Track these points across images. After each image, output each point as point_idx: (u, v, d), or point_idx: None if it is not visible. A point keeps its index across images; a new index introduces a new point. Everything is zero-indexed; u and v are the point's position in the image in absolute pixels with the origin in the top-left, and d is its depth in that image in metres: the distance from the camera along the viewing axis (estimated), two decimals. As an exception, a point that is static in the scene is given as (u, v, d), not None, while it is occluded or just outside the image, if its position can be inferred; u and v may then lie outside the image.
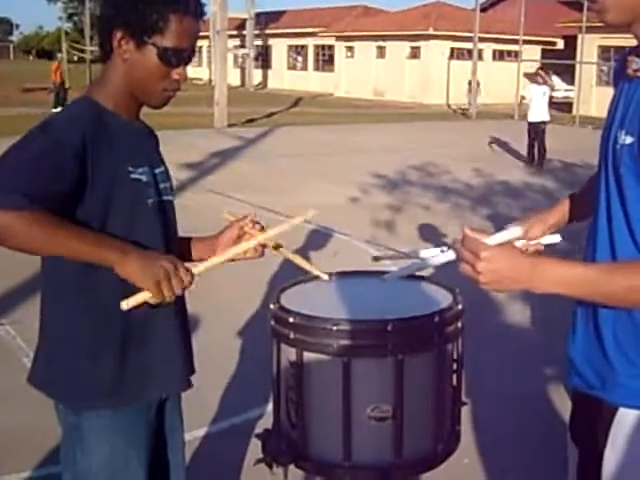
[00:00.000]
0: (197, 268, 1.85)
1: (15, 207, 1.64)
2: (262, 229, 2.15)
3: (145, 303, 1.77)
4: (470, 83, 30.03)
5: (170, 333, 2.05)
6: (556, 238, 2.11)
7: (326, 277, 2.14)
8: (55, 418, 2.08)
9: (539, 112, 14.79)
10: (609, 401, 1.76)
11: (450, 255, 1.79)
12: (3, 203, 1.64)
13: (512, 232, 1.67)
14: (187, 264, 1.83)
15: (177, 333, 2.08)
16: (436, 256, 1.93)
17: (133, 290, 1.76)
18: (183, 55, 1.97)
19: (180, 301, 2.05)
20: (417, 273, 2.25)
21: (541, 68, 16.21)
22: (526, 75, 31.58)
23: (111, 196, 1.88)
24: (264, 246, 2.13)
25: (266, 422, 2.33)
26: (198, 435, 4.00)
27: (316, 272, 2.12)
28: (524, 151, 15.54)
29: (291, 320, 2.02)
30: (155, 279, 1.73)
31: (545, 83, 15.21)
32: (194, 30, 1.98)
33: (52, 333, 2.01)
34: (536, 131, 14.79)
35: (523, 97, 15.30)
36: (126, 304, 1.75)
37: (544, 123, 14.90)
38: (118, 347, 1.96)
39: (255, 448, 2.40)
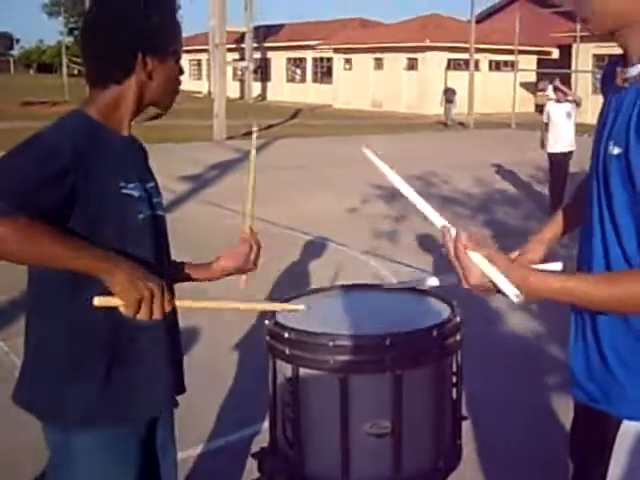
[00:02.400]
0: (181, 303, 1.82)
1: (6, 215, 1.61)
2: (259, 248, 2.16)
3: (115, 308, 1.73)
4: (446, 92, 29.80)
5: (159, 352, 2.01)
6: (557, 266, 2.03)
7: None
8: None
9: (564, 139, 10.48)
10: (614, 414, 1.72)
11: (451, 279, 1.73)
12: None
13: (507, 291, 1.53)
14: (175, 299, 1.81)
15: (166, 352, 2.03)
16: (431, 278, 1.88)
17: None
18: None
19: (172, 318, 2.01)
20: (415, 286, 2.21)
21: (558, 79, 11.20)
22: (523, 85, 31.68)
23: (102, 210, 1.85)
24: (255, 264, 2.14)
25: (262, 439, 2.28)
26: (193, 454, 3.93)
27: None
28: (523, 160, 15.48)
29: (286, 336, 1.99)
30: (138, 296, 1.70)
31: (567, 98, 10.67)
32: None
33: (37, 350, 1.97)
34: (560, 165, 10.44)
35: (545, 124, 10.86)
36: (98, 300, 1.71)
37: (571, 154, 10.51)
38: (105, 365, 1.91)
39: (252, 466, 2.36)
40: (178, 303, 1.81)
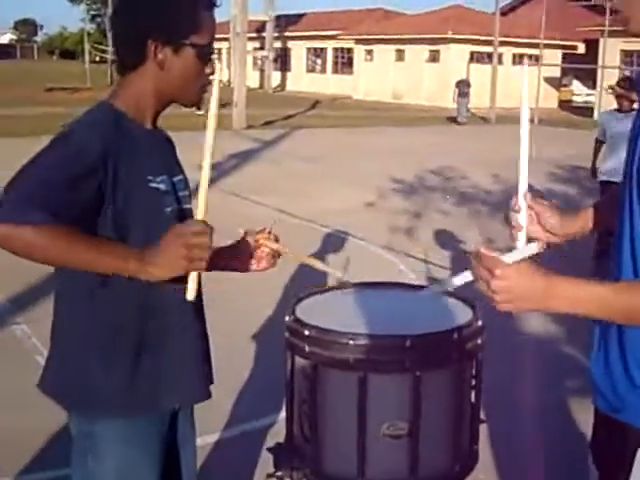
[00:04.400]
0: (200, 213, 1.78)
1: (37, 223, 1.63)
2: (276, 240, 2.14)
3: (199, 278, 1.73)
4: (458, 85, 27.05)
5: (187, 342, 2.02)
6: (533, 248, 1.96)
7: (340, 274, 2.13)
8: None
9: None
10: (636, 427, 1.70)
11: (468, 276, 1.72)
12: (25, 219, 1.63)
13: (529, 249, 1.59)
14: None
15: (194, 342, 2.04)
16: (454, 278, 1.85)
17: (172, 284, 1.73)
18: (213, 48, 1.99)
19: (198, 308, 2.02)
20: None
21: (625, 80, 7.98)
22: (547, 80, 31.39)
23: (130, 205, 1.85)
24: (279, 255, 2.13)
25: (278, 430, 2.29)
26: (210, 441, 3.95)
27: (331, 271, 2.12)
28: (545, 157, 15.37)
29: (306, 333, 1.98)
30: (181, 260, 1.68)
31: (632, 107, 7.20)
32: (215, 21, 2.01)
33: (65, 339, 1.98)
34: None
35: (599, 142, 7.66)
36: (190, 294, 1.72)
37: None
38: (133, 355, 1.92)
39: (267, 456, 2.36)
40: (200, 216, 1.76)
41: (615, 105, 7.48)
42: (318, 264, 2.13)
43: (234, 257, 2.18)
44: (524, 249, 1.59)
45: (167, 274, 1.70)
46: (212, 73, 2.00)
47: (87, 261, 1.71)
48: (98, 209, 1.80)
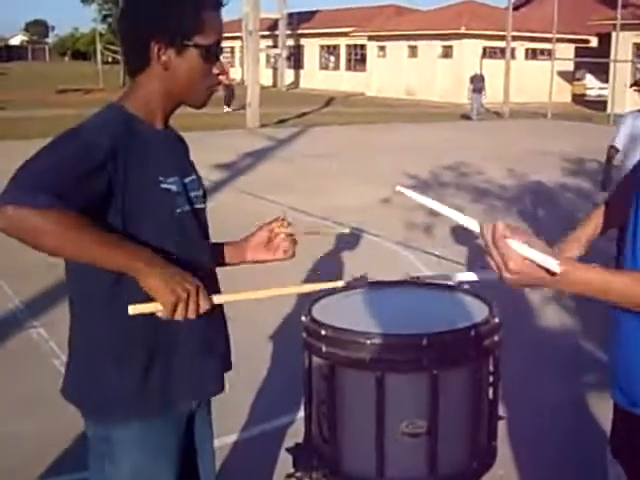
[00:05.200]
0: (218, 298, 1.81)
1: (45, 206, 1.60)
2: (289, 225, 2.14)
3: (152, 314, 1.72)
4: (472, 80, 25.97)
5: (201, 346, 2.01)
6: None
7: (347, 230, 2.18)
8: (85, 422, 2.06)
9: None
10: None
11: (475, 276, 1.71)
12: (33, 202, 1.60)
13: (547, 262, 1.54)
14: (212, 295, 1.79)
15: (210, 344, 2.03)
16: (468, 274, 1.84)
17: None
18: (220, 48, 1.96)
19: (218, 310, 2.02)
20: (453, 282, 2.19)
21: None
22: (560, 74, 31.21)
23: (139, 205, 1.84)
24: (295, 242, 2.13)
25: (297, 429, 2.30)
26: (228, 442, 3.96)
27: (340, 229, 2.16)
28: (559, 152, 15.27)
29: (323, 333, 1.98)
30: (174, 298, 1.69)
31: None
32: (222, 21, 1.99)
33: (79, 343, 1.98)
34: None
35: (613, 149, 6.23)
36: (133, 309, 1.71)
37: None
38: (146, 357, 1.92)
39: (286, 456, 2.37)
40: (216, 300, 1.80)
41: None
42: (328, 230, 2.16)
43: (250, 249, 2.18)
44: (543, 259, 1.53)
45: (159, 291, 1.68)
46: (220, 73, 1.98)
47: (95, 252, 1.67)
48: (107, 207, 1.79)
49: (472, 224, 1.58)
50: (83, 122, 1.87)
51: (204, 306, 1.75)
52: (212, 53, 1.93)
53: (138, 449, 1.96)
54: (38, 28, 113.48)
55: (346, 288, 2.06)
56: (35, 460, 3.77)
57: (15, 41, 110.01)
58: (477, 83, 25.70)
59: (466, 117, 25.97)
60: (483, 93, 25.64)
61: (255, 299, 1.91)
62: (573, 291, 1.56)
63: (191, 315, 1.72)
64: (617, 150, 6.23)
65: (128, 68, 1.98)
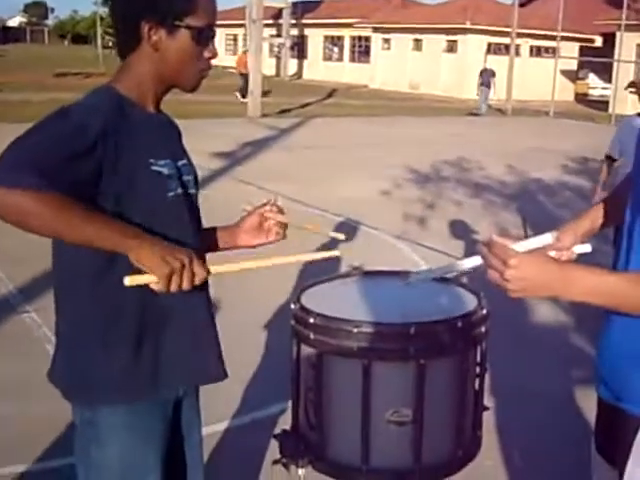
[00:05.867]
0: (214, 267, 1.81)
1: (31, 186, 1.59)
2: (281, 212, 2.14)
3: (147, 286, 1.71)
4: (482, 74, 25.54)
5: (189, 325, 2.01)
6: (587, 248, 2.03)
7: (342, 237, 2.18)
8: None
9: None
10: (636, 414, 1.72)
11: (477, 260, 1.72)
12: (19, 182, 1.58)
13: (542, 240, 1.60)
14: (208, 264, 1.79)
15: (197, 325, 2.04)
16: (463, 262, 1.86)
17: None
18: (213, 31, 1.95)
19: (204, 292, 2.02)
20: (442, 276, 2.19)
21: None
22: (563, 73, 31.11)
23: (130, 188, 1.83)
24: (285, 226, 2.13)
25: (289, 417, 2.31)
26: (218, 429, 3.97)
27: (334, 234, 2.16)
28: (560, 149, 15.27)
29: (311, 321, 1.99)
30: (168, 268, 1.67)
31: None
32: (215, 5, 1.97)
33: (66, 328, 1.98)
34: None
35: (609, 159, 5.83)
36: (129, 280, 1.69)
37: None
38: (133, 340, 1.92)
39: (276, 444, 2.38)
40: (212, 269, 1.78)
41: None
42: (320, 230, 2.16)
43: (242, 233, 2.17)
44: (537, 239, 1.59)
45: (152, 265, 1.67)
46: (213, 57, 1.96)
47: (84, 231, 1.66)
48: (97, 189, 1.77)
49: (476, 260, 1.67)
50: (73, 103, 1.85)
51: (200, 275, 1.73)
52: (204, 36, 1.92)
53: (125, 433, 1.96)
54: (37, 10, 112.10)
55: (344, 277, 2.09)
56: (27, 444, 3.78)
57: (13, 23, 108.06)
58: (486, 77, 25.38)
59: (473, 114, 25.42)
60: (492, 87, 25.23)
61: (253, 268, 1.90)
62: (574, 293, 1.55)
63: (187, 285, 1.71)
64: (614, 159, 5.87)
65: (119, 48, 1.96)
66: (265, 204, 2.15)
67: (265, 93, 22.99)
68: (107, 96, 1.90)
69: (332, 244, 7.54)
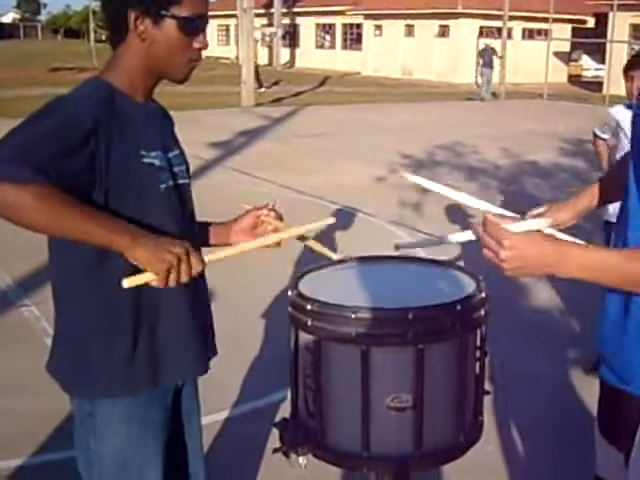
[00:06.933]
0: (212, 256, 1.80)
1: (25, 180, 1.57)
2: (280, 219, 2.13)
3: (147, 284, 1.71)
4: (482, 54, 24.41)
5: (185, 318, 2.00)
6: (542, 223, 1.95)
7: (335, 257, 2.16)
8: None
9: None
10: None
11: (470, 235, 1.70)
12: (13, 176, 1.56)
13: (538, 224, 1.57)
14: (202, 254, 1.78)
15: (193, 315, 2.03)
16: (456, 235, 1.84)
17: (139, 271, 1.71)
18: (202, 21, 1.92)
19: (200, 283, 2.01)
20: (439, 258, 2.17)
21: None
22: (556, 55, 31.01)
23: (122, 180, 1.82)
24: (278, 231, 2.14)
25: (289, 405, 2.30)
26: (219, 418, 3.97)
27: (332, 255, 2.15)
28: (555, 132, 15.24)
29: (309, 307, 1.97)
30: (165, 265, 1.67)
31: None
32: None
33: (64, 321, 1.97)
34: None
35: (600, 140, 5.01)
36: (127, 282, 1.69)
37: None
38: (130, 333, 1.91)
39: (277, 432, 2.37)
40: (207, 258, 1.78)
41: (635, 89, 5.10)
42: (316, 246, 2.17)
43: (235, 232, 2.17)
44: (533, 222, 1.57)
45: (149, 262, 1.67)
46: (203, 48, 1.94)
47: (77, 228, 1.65)
48: (88, 182, 1.76)
49: (479, 203, 1.71)
50: (64, 95, 1.84)
51: (197, 267, 1.73)
52: (192, 26, 1.89)
53: (124, 424, 1.96)
54: (30, 5, 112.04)
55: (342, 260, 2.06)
56: (28, 437, 3.78)
57: (7, 19, 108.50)
58: (487, 56, 24.22)
59: (475, 99, 24.57)
60: (492, 69, 24.19)
61: (251, 249, 1.91)
62: (571, 270, 1.54)
63: (185, 279, 1.71)
64: (604, 139, 5.26)
65: (110, 39, 1.95)
66: (264, 206, 2.15)
67: (275, 83, 22.87)
68: (97, 87, 1.89)
69: (329, 232, 7.52)
